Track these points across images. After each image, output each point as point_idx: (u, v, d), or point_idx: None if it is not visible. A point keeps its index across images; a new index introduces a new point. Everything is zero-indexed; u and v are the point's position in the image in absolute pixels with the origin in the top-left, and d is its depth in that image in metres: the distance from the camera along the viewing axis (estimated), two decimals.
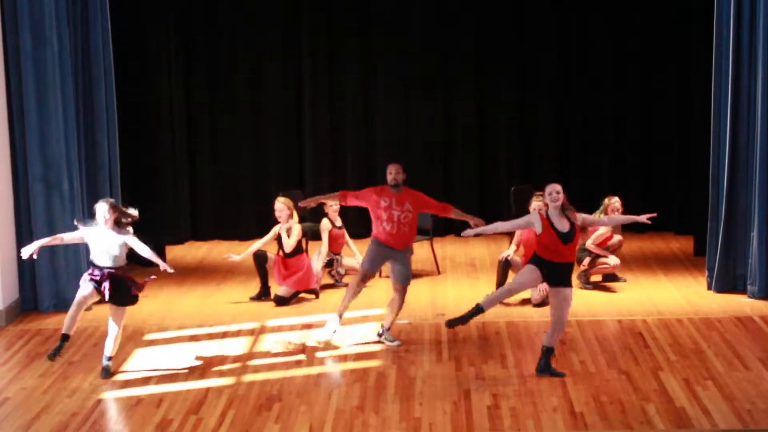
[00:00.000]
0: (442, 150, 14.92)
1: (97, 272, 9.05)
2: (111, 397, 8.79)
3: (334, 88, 14.74)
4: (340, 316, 10.03)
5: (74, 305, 9.08)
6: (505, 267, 11.35)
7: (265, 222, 14.74)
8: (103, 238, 9.04)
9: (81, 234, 9.14)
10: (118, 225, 9.08)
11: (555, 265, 8.76)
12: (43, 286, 11.23)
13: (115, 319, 9.21)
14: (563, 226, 8.76)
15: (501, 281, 11.34)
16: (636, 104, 14.70)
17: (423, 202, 9.95)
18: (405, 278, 9.99)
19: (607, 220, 10.47)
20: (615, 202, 11.73)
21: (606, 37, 14.57)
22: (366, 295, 10.98)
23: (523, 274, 8.99)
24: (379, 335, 10.12)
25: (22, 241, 11.15)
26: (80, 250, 11.09)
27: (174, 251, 14.11)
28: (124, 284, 9.09)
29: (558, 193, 8.79)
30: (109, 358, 9.27)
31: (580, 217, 8.87)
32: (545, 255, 8.80)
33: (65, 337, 9.08)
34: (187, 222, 14.83)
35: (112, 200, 9.25)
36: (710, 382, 8.83)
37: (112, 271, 9.04)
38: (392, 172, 9.86)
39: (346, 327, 10.52)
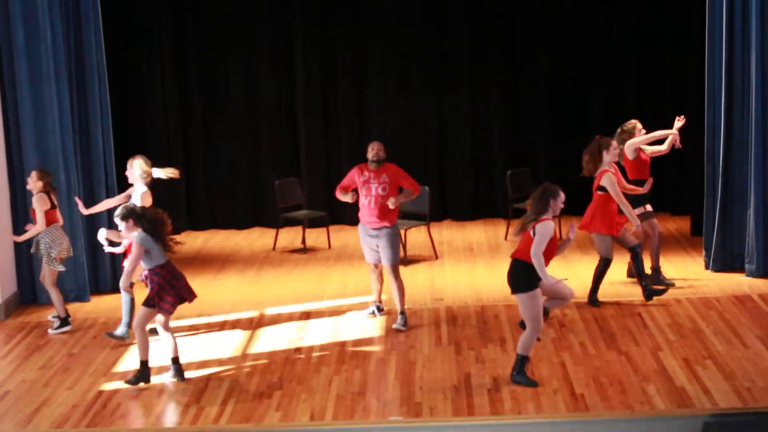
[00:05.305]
0: (438, 136, 14.86)
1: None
2: (111, 388, 8.78)
3: (328, 78, 14.66)
4: (377, 304, 10.53)
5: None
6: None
7: (259, 211, 14.78)
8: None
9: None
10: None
11: None
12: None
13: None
14: None
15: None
16: (630, 85, 14.62)
17: (400, 175, 10.08)
18: (387, 258, 10.08)
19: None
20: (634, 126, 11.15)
21: (599, 21, 14.45)
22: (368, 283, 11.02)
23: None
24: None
25: (18, 234, 11.12)
26: (77, 243, 11.07)
27: None
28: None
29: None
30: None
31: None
32: None
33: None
34: (183, 212, 14.80)
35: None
36: (709, 362, 8.85)
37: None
38: (374, 149, 10.05)
39: (346, 313, 10.63)
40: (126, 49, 12.95)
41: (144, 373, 8.80)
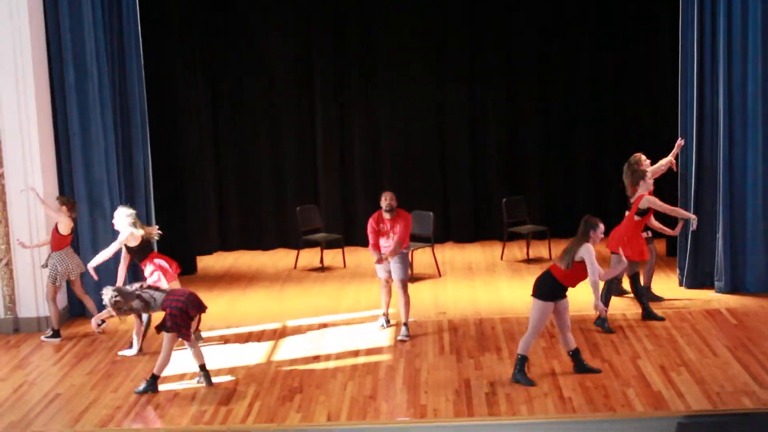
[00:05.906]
0: (441, 164, 14.78)
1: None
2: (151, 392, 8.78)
3: (344, 115, 14.62)
4: (386, 317, 10.52)
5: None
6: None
7: (283, 234, 14.77)
8: None
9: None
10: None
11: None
12: (89, 294, 11.17)
13: None
14: None
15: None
16: (612, 117, 14.38)
17: (405, 225, 10.20)
18: (397, 274, 10.15)
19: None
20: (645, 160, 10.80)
21: (585, 57, 14.33)
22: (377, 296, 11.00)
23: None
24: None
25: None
26: (116, 258, 11.06)
27: (204, 261, 14.10)
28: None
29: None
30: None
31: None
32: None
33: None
34: (216, 235, 14.81)
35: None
36: (683, 368, 8.84)
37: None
38: (387, 199, 10.20)
39: (359, 325, 10.59)
40: (164, 86, 12.87)
41: (152, 384, 8.76)
